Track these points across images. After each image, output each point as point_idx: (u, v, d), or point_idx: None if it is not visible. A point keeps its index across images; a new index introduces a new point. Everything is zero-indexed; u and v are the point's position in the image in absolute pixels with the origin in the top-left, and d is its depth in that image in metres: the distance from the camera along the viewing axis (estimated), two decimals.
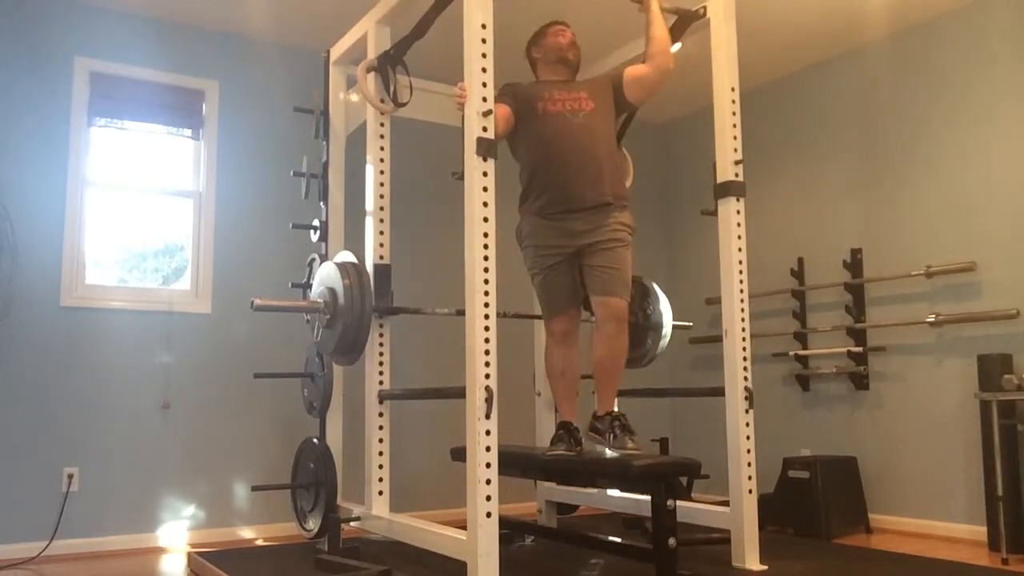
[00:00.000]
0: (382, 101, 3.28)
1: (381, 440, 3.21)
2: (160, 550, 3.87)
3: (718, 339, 3.23)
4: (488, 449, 2.39)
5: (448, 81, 3.64)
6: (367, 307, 3.01)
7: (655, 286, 3.88)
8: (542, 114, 3.08)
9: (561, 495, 3.86)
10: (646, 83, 3.14)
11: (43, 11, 3.98)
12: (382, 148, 3.31)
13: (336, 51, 3.69)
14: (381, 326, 3.23)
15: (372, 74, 3.29)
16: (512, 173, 3.15)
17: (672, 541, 2.62)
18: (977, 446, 3.84)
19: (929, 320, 4.12)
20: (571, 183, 3.02)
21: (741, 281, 3.13)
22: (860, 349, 4.46)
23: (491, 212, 2.50)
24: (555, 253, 3.07)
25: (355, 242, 3.43)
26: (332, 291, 3.06)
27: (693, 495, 4.45)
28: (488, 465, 2.39)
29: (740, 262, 3.14)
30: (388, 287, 3.22)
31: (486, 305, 2.45)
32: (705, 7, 3.28)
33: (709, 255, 3.12)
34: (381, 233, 3.26)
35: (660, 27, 3.13)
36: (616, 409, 3.03)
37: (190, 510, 4.04)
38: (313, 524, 3.43)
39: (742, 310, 3.11)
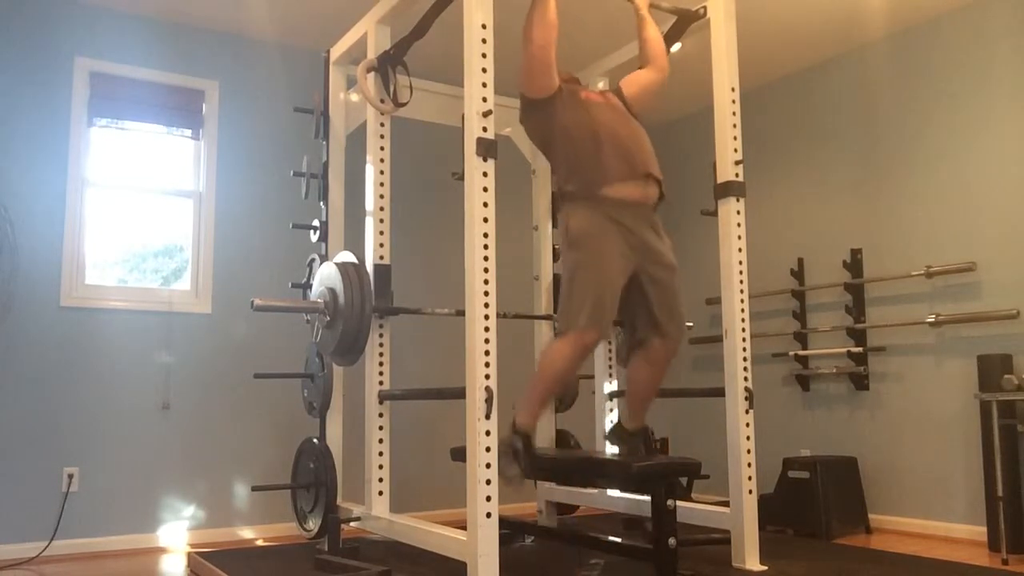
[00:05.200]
0: (382, 101, 3.28)
1: (381, 440, 3.21)
2: (160, 550, 3.88)
3: (718, 339, 3.23)
4: (488, 449, 2.39)
5: (448, 81, 3.65)
6: (367, 307, 3.01)
7: None
8: (584, 100, 2.96)
9: (561, 495, 3.86)
10: (653, 89, 3.13)
11: (43, 11, 3.98)
12: (382, 148, 3.31)
13: (336, 51, 3.69)
14: (381, 326, 3.23)
15: (372, 74, 3.28)
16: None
17: (672, 541, 2.62)
18: (977, 446, 3.84)
19: (929, 320, 4.12)
20: (630, 156, 2.84)
21: (741, 281, 3.13)
22: (860, 349, 4.46)
23: (491, 212, 2.50)
24: (617, 237, 2.78)
25: (355, 242, 3.43)
26: (332, 291, 3.06)
27: (693, 495, 4.45)
28: (488, 465, 2.39)
29: (740, 262, 3.13)
30: (388, 287, 3.22)
31: (486, 305, 2.45)
32: (705, 7, 3.28)
33: (709, 255, 3.12)
34: (381, 233, 3.26)
35: (654, 28, 3.12)
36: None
37: (190, 510, 4.04)
38: (313, 524, 3.43)
39: (742, 310, 3.11)
